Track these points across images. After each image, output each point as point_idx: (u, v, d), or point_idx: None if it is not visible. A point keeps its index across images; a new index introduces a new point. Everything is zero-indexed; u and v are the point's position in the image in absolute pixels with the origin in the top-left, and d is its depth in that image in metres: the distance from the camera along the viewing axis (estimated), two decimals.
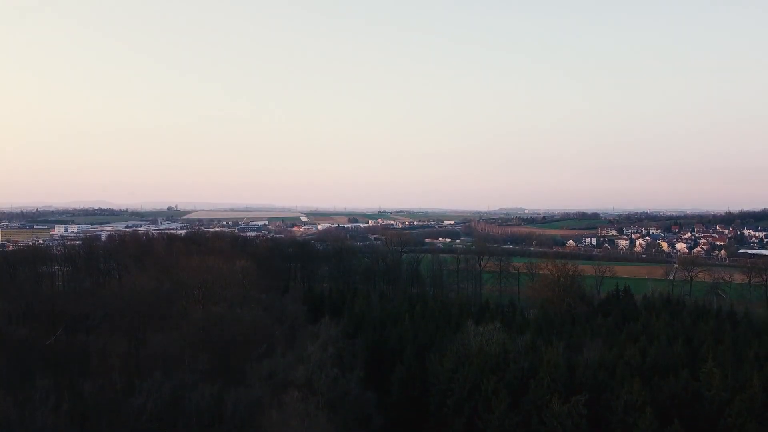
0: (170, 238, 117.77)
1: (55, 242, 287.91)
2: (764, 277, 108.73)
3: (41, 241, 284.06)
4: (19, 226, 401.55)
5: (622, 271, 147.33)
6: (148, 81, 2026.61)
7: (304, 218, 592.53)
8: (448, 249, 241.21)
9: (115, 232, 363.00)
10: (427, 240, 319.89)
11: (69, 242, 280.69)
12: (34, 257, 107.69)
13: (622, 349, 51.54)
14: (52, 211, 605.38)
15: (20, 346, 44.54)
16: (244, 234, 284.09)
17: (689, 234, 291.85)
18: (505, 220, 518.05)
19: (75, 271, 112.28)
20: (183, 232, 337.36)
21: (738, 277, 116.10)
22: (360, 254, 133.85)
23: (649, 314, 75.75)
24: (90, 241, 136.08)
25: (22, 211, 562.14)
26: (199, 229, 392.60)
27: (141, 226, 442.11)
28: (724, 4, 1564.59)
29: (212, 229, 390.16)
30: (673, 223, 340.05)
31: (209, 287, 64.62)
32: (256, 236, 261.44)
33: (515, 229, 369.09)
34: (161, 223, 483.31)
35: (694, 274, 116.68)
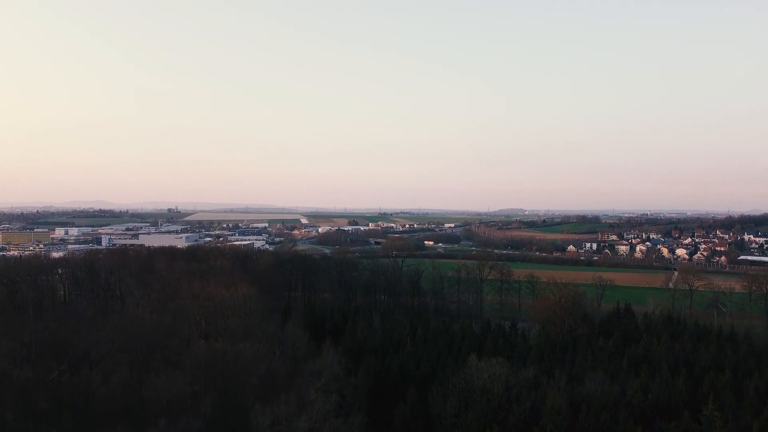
0: (171, 254, 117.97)
1: (56, 245, 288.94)
2: (764, 289, 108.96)
3: (42, 245, 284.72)
4: (19, 229, 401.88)
5: (623, 278, 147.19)
6: (149, 81, 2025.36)
7: (304, 220, 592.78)
8: (449, 254, 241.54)
9: (116, 234, 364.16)
10: (427, 243, 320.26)
11: (70, 246, 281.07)
12: (37, 269, 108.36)
13: (623, 384, 51.63)
14: (52, 212, 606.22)
15: (25, 388, 44.66)
16: (244, 240, 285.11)
17: (689, 239, 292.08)
18: (505, 223, 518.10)
19: (77, 286, 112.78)
20: (184, 236, 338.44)
21: (738, 287, 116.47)
22: (361, 265, 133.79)
23: (650, 336, 75.99)
24: (91, 253, 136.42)
25: (22, 213, 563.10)
26: (200, 232, 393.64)
27: (141, 228, 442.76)
28: (727, 5, 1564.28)
29: (214, 232, 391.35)
30: (673, 228, 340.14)
31: (211, 316, 64.80)
32: (258, 243, 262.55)
33: (515, 233, 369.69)
34: (162, 225, 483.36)
35: (695, 288, 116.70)
